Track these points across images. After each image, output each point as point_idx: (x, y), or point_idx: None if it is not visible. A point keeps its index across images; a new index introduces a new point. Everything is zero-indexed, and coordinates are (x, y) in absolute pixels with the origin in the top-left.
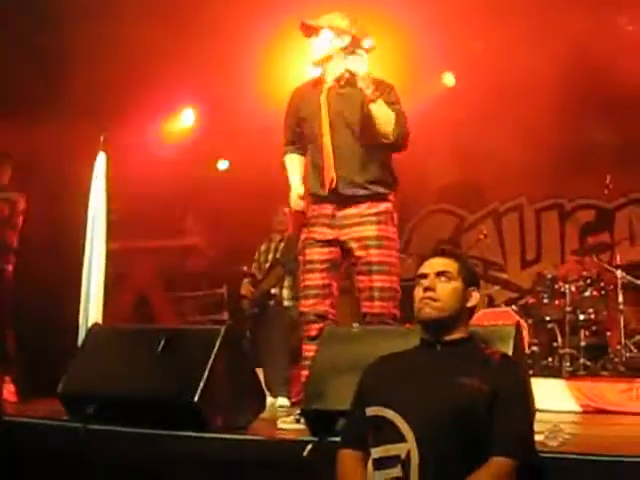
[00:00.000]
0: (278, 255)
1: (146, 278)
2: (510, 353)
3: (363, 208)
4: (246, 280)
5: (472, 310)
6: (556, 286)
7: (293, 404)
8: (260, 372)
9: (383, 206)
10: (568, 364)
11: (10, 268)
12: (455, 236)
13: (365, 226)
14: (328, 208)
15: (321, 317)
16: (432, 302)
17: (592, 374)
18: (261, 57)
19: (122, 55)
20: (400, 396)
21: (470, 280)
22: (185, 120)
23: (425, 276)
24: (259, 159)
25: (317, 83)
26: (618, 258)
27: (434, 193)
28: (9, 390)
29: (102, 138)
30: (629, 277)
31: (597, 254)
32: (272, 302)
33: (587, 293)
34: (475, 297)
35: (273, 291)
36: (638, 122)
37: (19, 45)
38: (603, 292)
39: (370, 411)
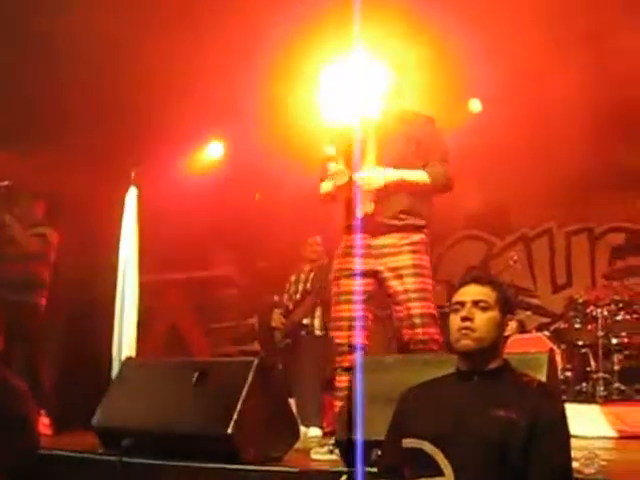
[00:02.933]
0: (309, 285)
1: (178, 310)
2: (544, 380)
3: (398, 238)
4: (277, 311)
5: (507, 338)
6: (588, 310)
7: (325, 434)
8: (292, 402)
9: (417, 237)
10: (602, 389)
11: (43, 302)
12: (484, 262)
13: (400, 256)
14: (362, 238)
15: (355, 348)
16: (470, 333)
17: (627, 398)
18: (290, 91)
19: (151, 88)
20: (438, 429)
21: (507, 308)
22: (215, 152)
23: (462, 304)
24: (289, 190)
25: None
26: None
27: (463, 219)
28: (44, 423)
29: (133, 173)
30: None
31: (628, 277)
32: (304, 332)
33: (619, 317)
34: (512, 326)
35: (305, 321)
36: None
37: (50, 81)
38: (635, 315)
39: (407, 442)
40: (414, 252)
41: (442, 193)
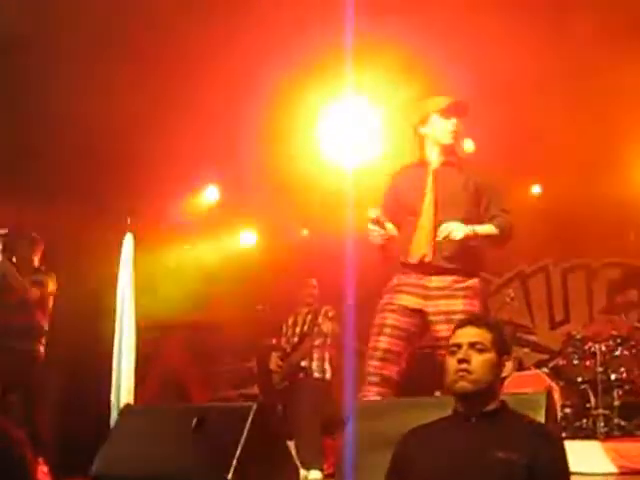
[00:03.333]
0: (306, 328)
1: (176, 354)
2: (542, 421)
3: (450, 281)
4: (275, 354)
5: (504, 379)
6: (586, 346)
7: (326, 477)
8: (292, 445)
9: (471, 281)
10: (602, 425)
11: (42, 349)
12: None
13: (452, 300)
14: (416, 277)
15: (386, 381)
16: (467, 375)
17: (627, 434)
18: (282, 133)
19: (146, 133)
20: (436, 472)
21: (503, 349)
22: (209, 196)
23: (459, 346)
24: (285, 233)
25: (421, 164)
26: None
27: None
28: (42, 471)
29: (129, 220)
30: None
31: (626, 312)
32: (302, 375)
33: (618, 352)
34: (508, 367)
35: (303, 364)
36: None
37: (44, 132)
38: (634, 350)
39: None
40: (465, 297)
41: (505, 244)
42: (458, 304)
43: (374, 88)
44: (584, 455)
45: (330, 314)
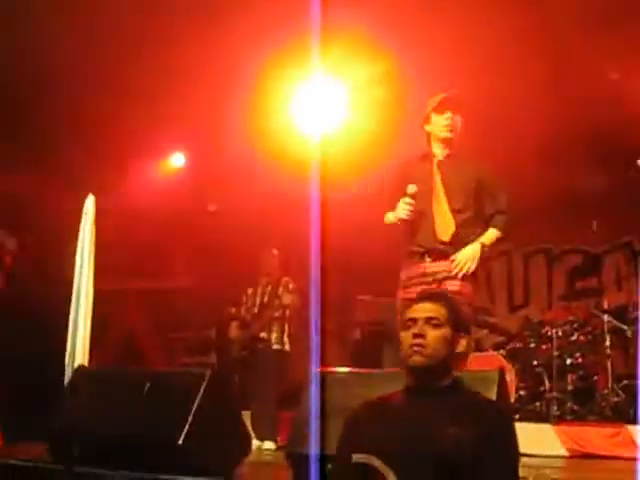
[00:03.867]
0: (266, 299)
1: (135, 319)
2: (494, 399)
3: (450, 264)
4: (234, 323)
5: (459, 355)
6: (543, 331)
7: (280, 448)
8: (248, 415)
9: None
10: (555, 408)
11: None
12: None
13: (451, 280)
14: (421, 267)
15: None
16: (422, 349)
17: (579, 419)
18: (249, 100)
19: (112, 94)
20: (387, 445)
21: (459, 326)
22: (174, 163)
23: (414, 321)
24: (248, 202)
25: (426, 156)
26: (605, 303)
27: None
28: None
29: (92, 182)
30: (616, 322)
31: (584, 298)
32: (261, 346)
33: (574, 337)
34: (462, 344)
35: (262, 335)
36: (623, 169)
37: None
38: (590, 337)
39: (357, 458)
40: (463, 279)
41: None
42: (455, 284)
43: (340, 67)
44: (536, 437)
45: (290, 286)
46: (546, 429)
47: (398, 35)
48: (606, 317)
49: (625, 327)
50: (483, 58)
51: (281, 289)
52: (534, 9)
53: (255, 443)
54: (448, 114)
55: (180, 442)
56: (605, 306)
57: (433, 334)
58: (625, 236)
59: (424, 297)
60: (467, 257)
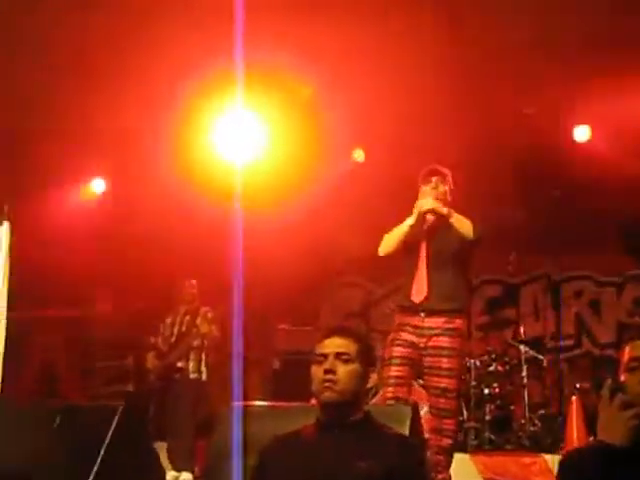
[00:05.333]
0: (184, 328)
1: (52, 348)
2: (407, 433)
3: (442, 322)
4: (151, 353)
5: (370, 390)
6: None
7: (197, 479)
8: (164, 447)
9: (458, 321)
10: (473, 438)
11: None
12: (364, 309)
13: (442, 337)
14: (414, 319)
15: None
16: (333, 385)
17: (497, 448)
18: (171, 129)
19: (31, 122)
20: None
21: (369, 360)
22: (94, 189)
23: (325, 356)
24: (167, 230)
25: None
26: (522, 333)
27: (344, 265)
28: None
29: (6, 207)
30: (532, 352)
31: (502, 329)
32: (178, 375)
33: (492, 368)
34: (373, 378)
35: (179, 364)
36: (542, 200)
37: None
38: (508, 367)
39: None
40: (452, 336)
41: (480, 241)
42: (447, 341)
43: (260, 104)
44: (454, 467)
45: (209, 315)
46: (464, 459)
47: (317, 68)
48: (523, 347)
49: (541, 357)
50: (402, 89)
51: (199, 318)
52: (454, 41)
53: (172, 474)
54: (432, 182)
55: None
56: (522, 336)
57: (344, 369)
58: (542, 268)
59: (334, 331)
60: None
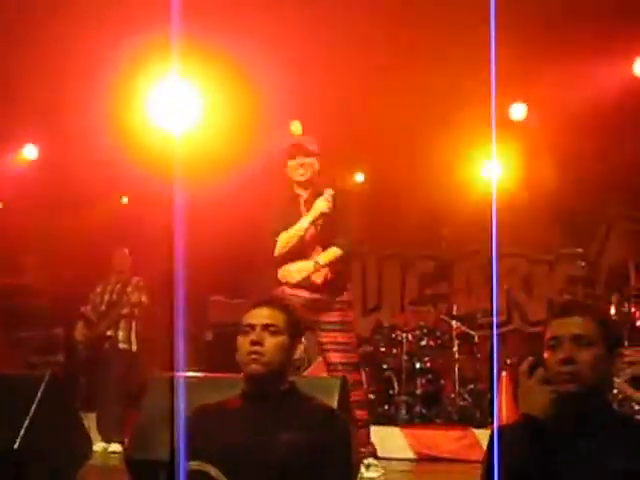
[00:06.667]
0: (115, 297)
1: None
2: (335, 405)
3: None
4: (80, 323)
5: (295, 361)
6: (393, 335)
7: (127, 449)
8: (94, 417)
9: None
10: (404, 412)
11: None
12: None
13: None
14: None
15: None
16: (259, 357)
17: (427, 422)
18: (108, 97)
19: None
20: (222, 452)
21: (296, 332)
22: (26, 155)
23: (252, 327)
24: (99, 198)
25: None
26: (455, 308)
27: None
28: None
29: None
30: (464, 327)
31: (434, 304)
32: (107, 345)
33: (423, 342)
34: (300, 349)
35: (109, 333)
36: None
37: None
38: (439, 341)
39: (192, 465)
40: (340, 309)
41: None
42: (334, 315)
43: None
44: (384, 440)
45: (140, 284)
46: (395, 432)
47: (254, 39)
48: (454, 323)
49: (473, 333)
50: (341, 59)
51: (130, 287)
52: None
53: (101, 445)
54: (300, 159)
55: (16, 447)
56: (454, 312)
57: (271, 341)
58: (475, 244)
59: (262, 302)
60: (296, 269)
